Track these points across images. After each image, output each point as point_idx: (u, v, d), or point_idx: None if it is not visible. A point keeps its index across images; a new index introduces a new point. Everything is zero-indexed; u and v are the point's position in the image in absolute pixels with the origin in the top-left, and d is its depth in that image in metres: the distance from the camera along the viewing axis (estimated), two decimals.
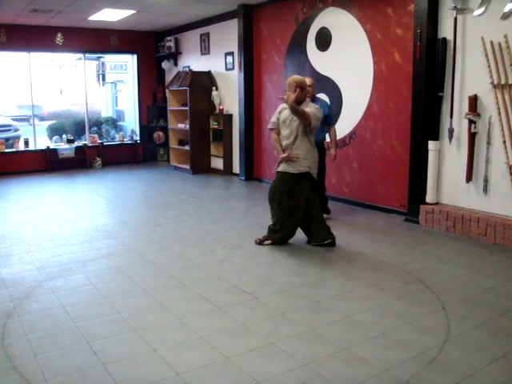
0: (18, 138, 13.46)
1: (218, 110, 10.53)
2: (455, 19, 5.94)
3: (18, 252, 5.57)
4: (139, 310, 4.03)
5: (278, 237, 5.67)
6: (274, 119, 5.54)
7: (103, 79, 15.52)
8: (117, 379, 3.02)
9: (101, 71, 15.08)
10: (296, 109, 5.18)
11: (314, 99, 6.38)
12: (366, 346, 3.36)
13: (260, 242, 5.72)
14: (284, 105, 5.43)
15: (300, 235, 5.76)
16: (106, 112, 16.50)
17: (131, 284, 4.62)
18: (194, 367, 3.14)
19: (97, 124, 14.32)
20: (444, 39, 6.10)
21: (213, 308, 4.03)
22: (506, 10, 5.46)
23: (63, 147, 11.91)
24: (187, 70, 11.30)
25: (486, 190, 5.90)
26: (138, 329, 3.69)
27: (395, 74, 6.82)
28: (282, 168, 5.50)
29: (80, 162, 11.95)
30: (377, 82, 7.08)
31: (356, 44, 7.34)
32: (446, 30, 6.12)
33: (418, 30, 6.20)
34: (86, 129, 12.76)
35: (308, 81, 6.23)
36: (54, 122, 15.26)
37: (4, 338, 3.59)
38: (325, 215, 6.37)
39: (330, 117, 6.60)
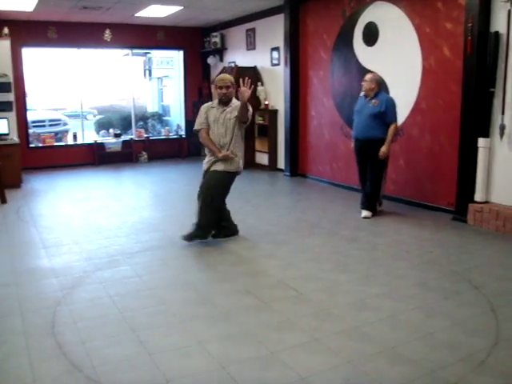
0: (67, 132, 13.79)
1: (263, 106, 10.53)
2: (509, 12, 5.77)
3: (67, 243, 5.71)
4: (185, 303, 4.08)
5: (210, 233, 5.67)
6: (201, 119, 5.42)
7: (149, 74, 15.74)
8: (163, 369, 3.07)
9: (147, 67, 15.30)
10: (248, 106, 5.15)
11: (377, 94, 6.46)
12: (412, 346, 3.31)
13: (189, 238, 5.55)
14: (210, 104, 5.49)
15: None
16: (152, 107, 16.73)
17: (176, 277, 4.68)
18: (239, 361, 3.16)
19: (143, 119, 14.54)
20: (496, 33, 5.93)
21: (258, 303, 4.05)
22: None
23: (110, 141, 12.15)
24: (233, 65, 11.33)
25: None
26: (184, 321, 3.74)
27: (444, 69, 6.68)
28: (221, 167, 5.40)
29: (126, 156, 12.15)
30: (425, 77, 6.95)
31: (404, 39, 7.22)
32: (498, 24, 5.95)
33: (469, 24, 6.04)
34: (133, 123, 12.97)
35: (366, 76, 6.51)
36: (101, 116, 15.56)
37: (54, 326, 3.69)
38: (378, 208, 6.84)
39: (387, 113, 6.39)
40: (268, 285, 4.43)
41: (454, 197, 6.56)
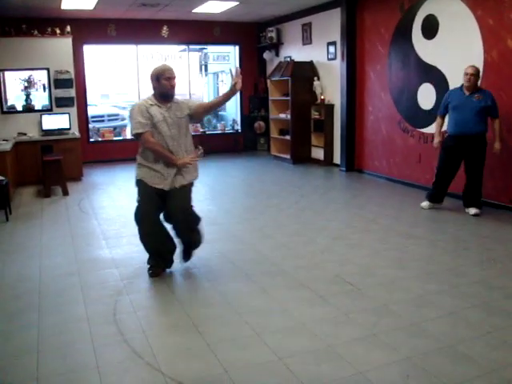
0: (125, 126, 14.11)
1: (319, 100, 10.48)
2: None
3: (127, 235, 5.86)
4: (242, 295, 4.13)
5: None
6: (142, 120, 4.27)
7: (205, 70, 15.88)
8: (221, 359, 3.13)
9: (203, 62, 15.44)
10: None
11: (479, 89, 6.23)
12: (472, 344, 3.26)
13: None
14: (145, 101, 4.38)
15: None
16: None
17: (234, 269, 4.75)
18: (296, 353, 3.19)
19: None
20: None
21: (314, 296, 4.06)
22: None
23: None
24: (289, 60, 11.32)
25: None
26: (241, 313, 3.79)
27: (508, 62, 6.48)
28: (188, 178, 4.54)
29: None
30: (487, 71, 6.76)
31: (465, 31, 7.03)
32: None
33: None
34: None
35: (470, 69, 6.16)
36: None
37: (115, 314, 3.83)
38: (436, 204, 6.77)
39: (493, 108, 6.18)
40: (324, 279, 4.43)
41: None
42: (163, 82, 4.30)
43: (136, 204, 4.56)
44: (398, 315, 3.70)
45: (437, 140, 6.62)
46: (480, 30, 6.80)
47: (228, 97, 4.58)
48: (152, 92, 4.45)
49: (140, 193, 4.54)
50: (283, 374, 2.96)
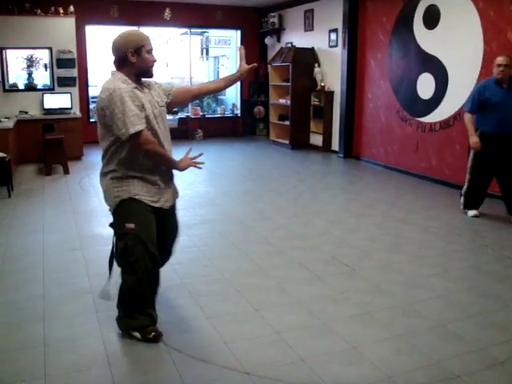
0: None
1: (319, 87, 10.56)
2: None
3: None
4: (241, 273, 4.26)
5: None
6: (138, 112, 2.98)
7: (207, 53, 15.90)
8: (220, 332, 3.27)
9: (204, 46, 15.46)
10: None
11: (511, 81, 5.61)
12: (462, 324, 3.40)
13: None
14: (127, 81, 3.04)
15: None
16: None
17: (234, 249, 4.87)
18: (293, 328, 3.33)
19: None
20: None
21: (312, 276, 4.19)
22: None
23: (167, 118, 12.41)
24: (290, 46, 11.38)
25: None
26: (240, 290, 3.92)
27: (507, 53, 6.56)
28: (175, 193, 3.53)
29: (182, 133, 12.39)
30: (487, 62, 6.85)
31: (466, 22, 7.11)
32: None
33: None
34: None
35: (502, 59, 5.53)
36: None
37: (117, 288, 3.92)
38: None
39: None
40: (322, 260, 4.57)
41: None
42: (145, 56, 3.09)
43: (121, 239, 3.13)
44: (392, 296, 3.84)
45: (476, 139, 5.72)
46: (481, 22, 6.89)
47: (232, 82, 3.65)
48: (117, 69, 3.14)
49: (132, 218, 3.09)
50: (281, 347, 3.09)
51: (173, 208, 3.46)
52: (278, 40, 12.43)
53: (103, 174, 3.21)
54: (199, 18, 12.39)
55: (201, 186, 7.51)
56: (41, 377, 2.77)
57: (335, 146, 10.35)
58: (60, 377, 2.79)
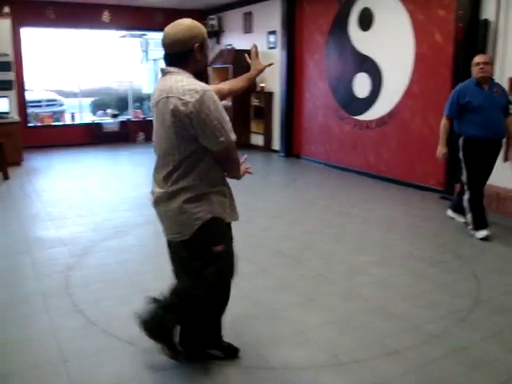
0: (63, 112, 13.94)
1: (259, 88, 10.75)
2: (498, 0, 6.03)
3: (71, 216, 5.95)
4: None
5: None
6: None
7: (146, 56, 15.86)
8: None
9: (144, 48, 15.41)
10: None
11: (491, 82, 5.15)
12: (399, 305, 3.63)
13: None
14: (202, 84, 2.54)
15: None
16: (148, 89, 16.87)
17: None
18: (239, 317, 3.46)
19: (138, 100, 14.70)
20: (486, 20, 6.19)
21: (257, 269, 4.33)
22: None
23: (108, 121, 12.35)
24: (230, 48, 11.53)
25: None
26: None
27: (436, 54, 6.93)
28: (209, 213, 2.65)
29: (124, 136, 12.33)
30: (418, 62, 7.20)
31: (398, 24, 7.45)
32: (488, 12, 6.21)
33: (460, 11, 6.31)
34: (130, 104, 13.14)
35: (480, 57, 5.07)
36: (96, 98, 15.68)
37: (67, 287, 3.97)
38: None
39: (508, 104, 5.19)
40: (266, 253, 4.73)
41: (443, 177, 6.86)
42: (207, 53, 2.69)
43: (211, 265, 2.70)
44: (334, 282, 4.04)
45: (444, 151, 5.30)
46: (412, 24, 7.23)
47: (252, 80, 3.27)
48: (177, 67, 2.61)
49: (220, 239, 2.73)
50: (231, 335, 3.19)
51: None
52: (218, 42, 12.54)
53: (172, 195, 2.59)
54: (139, 20, 12.32)
55: (145, 187, 7.49)
56: None
57: (276, 145, 10.56)
58: (14, 376, 2.82)
